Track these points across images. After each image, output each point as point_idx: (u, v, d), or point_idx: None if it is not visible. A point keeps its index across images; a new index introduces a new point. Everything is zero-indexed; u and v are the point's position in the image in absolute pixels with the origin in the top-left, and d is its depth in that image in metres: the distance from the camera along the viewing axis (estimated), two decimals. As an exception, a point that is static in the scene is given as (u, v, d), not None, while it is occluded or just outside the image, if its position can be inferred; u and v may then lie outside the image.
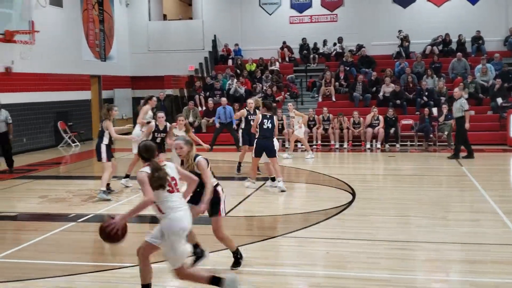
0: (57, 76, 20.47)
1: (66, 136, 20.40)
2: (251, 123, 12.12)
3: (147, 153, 5.42)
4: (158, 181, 5.28)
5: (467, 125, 15.05)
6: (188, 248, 5.70)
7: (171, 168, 5.56)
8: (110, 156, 11.08)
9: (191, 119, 20.32)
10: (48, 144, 19.90)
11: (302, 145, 17.37)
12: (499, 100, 19.04)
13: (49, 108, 19.82)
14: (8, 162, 14.57)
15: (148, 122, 11.89)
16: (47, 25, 19.40)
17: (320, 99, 21.22)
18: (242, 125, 13.45)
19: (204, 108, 21.31)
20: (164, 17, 28.91)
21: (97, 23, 23.55)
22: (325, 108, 18.87)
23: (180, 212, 5.39)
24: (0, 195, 11.80)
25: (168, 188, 5.38)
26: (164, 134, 11.28)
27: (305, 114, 17.60)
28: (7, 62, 17.76)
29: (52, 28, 19.97)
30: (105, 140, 10.94)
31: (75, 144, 20.52)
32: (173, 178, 5.47)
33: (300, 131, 16.68)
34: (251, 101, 13.21)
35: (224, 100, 18.76)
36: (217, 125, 18.49)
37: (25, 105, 18.42)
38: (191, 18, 27.83)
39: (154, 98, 12.88)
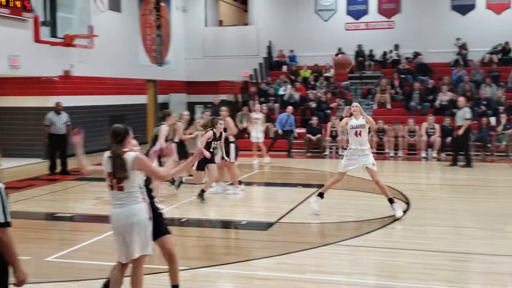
0: (114, 80, 20.92)
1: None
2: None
3: (114, 137, 5.13)
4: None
5: (460, 131, 15.44)
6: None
7: (128, 160, 5.07)
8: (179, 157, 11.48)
9: (245, 124, 20.40)
10: (104, 147, 20.26)
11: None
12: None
13: (106, 111, 20.25)
14: (63, 164, 14.89)
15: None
16: (105, 29, 19.86)
17: (375, 107, 20.96)
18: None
19: (258, 113, 21.38)
20: (220, 23, 29.19)
21: (154, 28, 23.98)
22: (380, 120, 18.52)
23: (112, 209, 5.20)
24: (57, 197, 12.13)
25: (108, 182, 5.18)
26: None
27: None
28: (67, 66, 18.28)
29: (110, 33, 20.43)
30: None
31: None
32: (109, 174, 5.13)
33: (256, 137, 16.92)
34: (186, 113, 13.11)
35: (290, 108, 18.88)
36: (280, 131, 18.97)
37: (82, 108, 18.88)
38: (246, 24, 28.02)
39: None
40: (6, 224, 3.96)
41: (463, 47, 22.78)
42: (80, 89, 18.98)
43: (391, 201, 9.42)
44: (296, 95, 21.59)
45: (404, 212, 9.80)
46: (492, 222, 9.14)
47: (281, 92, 22.22)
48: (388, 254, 7.46)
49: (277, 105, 21.77)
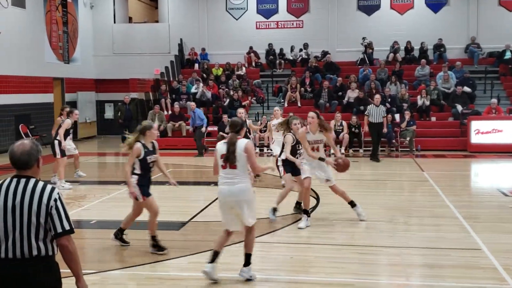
0: (19, 78, 20.11)
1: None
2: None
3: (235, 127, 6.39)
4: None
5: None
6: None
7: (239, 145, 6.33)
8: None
9: (156, 123, 20.18)
10: (8, 148, 19.47)
11: None
12: (460, 107, 19.46)
13: (11, 111, 19.46)
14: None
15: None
16: (9, 26, 19.07)
17: (286, 105, 21.33)
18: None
19: (170, 112, 21.22)
20: (130, 19, 28.69)
21: (60, 24, 23.24)
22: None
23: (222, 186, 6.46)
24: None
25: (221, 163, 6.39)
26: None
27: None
28: (-33, 64, 17.40)
29: (14, 30, 19.63)
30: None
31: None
32: (222, 155, 6.40)
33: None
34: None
35: (193, 104, 18.77)
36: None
37: (-15, 107, 18.08)
38: (157, 21, 27.71)
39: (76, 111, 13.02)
40: (71, 231, 3.81)
41: (368, 46, 23.60)
42: (-19, 87, 18.12)
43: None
44: (208, 93, 21.60)
45: (314, 208, 10.07)
46: (397, 215, 9.56)
47: (193, 90, 22.17)
48: (298, 249, 7.66)
49: (189, 103, 21.68)
